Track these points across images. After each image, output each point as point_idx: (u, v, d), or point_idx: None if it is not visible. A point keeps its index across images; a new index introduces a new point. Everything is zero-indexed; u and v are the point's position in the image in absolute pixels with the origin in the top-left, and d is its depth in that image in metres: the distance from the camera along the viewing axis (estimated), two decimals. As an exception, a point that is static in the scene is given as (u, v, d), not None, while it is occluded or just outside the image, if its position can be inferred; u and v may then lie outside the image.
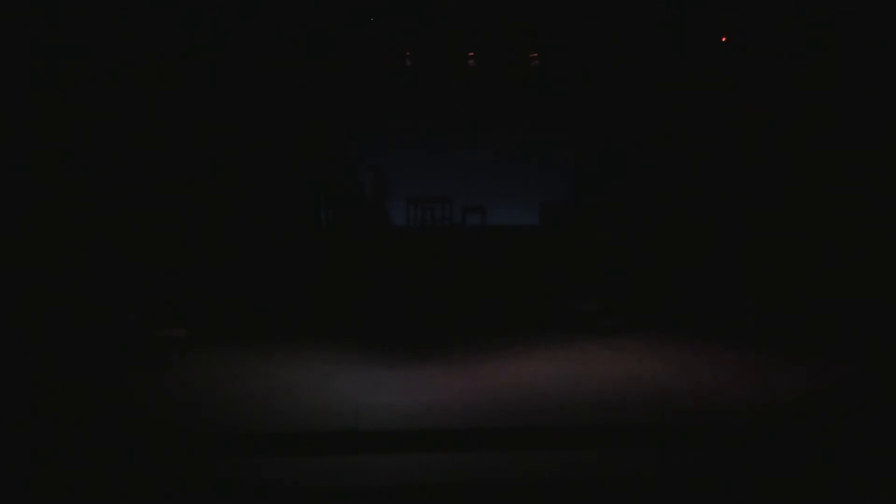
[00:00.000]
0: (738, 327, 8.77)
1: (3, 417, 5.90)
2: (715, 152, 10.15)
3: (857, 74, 9.12)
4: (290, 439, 5.65)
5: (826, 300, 8.77)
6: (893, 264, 8.61)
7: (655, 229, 10.11)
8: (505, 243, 10.43)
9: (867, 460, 5.32)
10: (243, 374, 7.19)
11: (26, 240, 8.21)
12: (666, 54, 10.26)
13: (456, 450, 5.59)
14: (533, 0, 10.21)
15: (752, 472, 5.28)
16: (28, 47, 8.41)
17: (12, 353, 7.21)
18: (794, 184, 9.63)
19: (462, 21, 10.45)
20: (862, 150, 9.12)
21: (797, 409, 6.12)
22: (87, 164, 8.95)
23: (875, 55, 8.94)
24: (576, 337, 8.66)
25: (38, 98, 8.53)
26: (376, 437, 5.68)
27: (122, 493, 5.00)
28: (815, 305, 8.78)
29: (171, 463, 5.37)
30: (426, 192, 11.14)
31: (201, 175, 9.74)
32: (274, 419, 5.94)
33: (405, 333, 8.81)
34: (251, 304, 9.24)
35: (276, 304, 9.29)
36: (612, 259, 9.99)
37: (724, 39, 10.12)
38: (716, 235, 9.86)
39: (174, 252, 9.25)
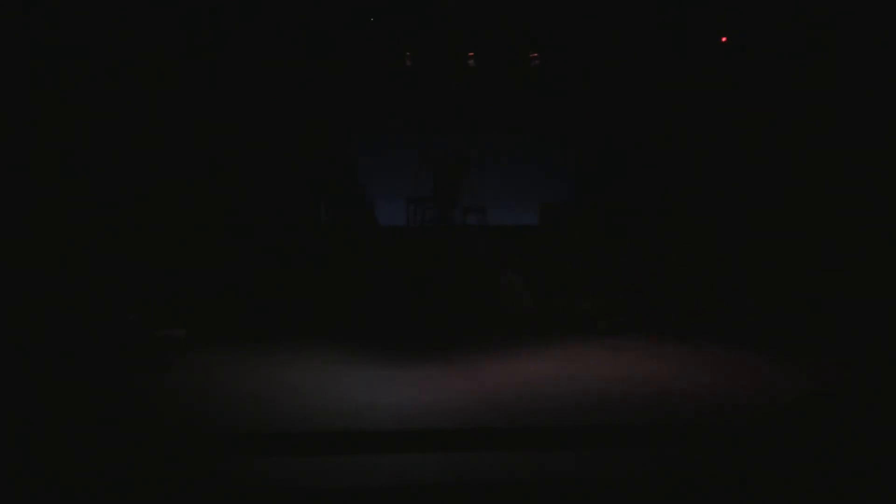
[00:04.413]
0: (738, 327, 8.77)
1: (4, 417, 5.90)
2: (715, 152, 10.15)
3: (857, 74, 9.12)
4: (290, 439, 5.64)
5: (826, 300, 8.77)
6: (893, 264, 8.61)
7: (655, 229, 10.10)
8: (505, 243, 10.43)
9: (867, 460, 5.32)
10: (243, 374, 7.19)
11: (26, 240, 8.21)
12: (666, 54, 10.26)
13: (456, 450, 5.58)
14: (533, 0, 10.20)
15: (752, 472, 5.28)
16: (28, 47, 8.41)
17: (12, 353, 7.21)
18: (794, 184, 9.63)
19: (462, 21, 10.44)
20: (862, 150, 9.12)
21: (797, 409, 6.12)
22: (87, 164, 8.96)
23: (875, 55, 8.94)
24: (576, 337, 8.66)
25: (38, 98, 8.53)
26: (376, 437, 5.68)
27: (122, 494, 5.00)
28: (815, 305, 8.78)
29: (171, 463, 5.37)
30: (426, 191, 11.13)
31: (201, 175, 9.74)
32: (274, 419, 5.94)
33: (405, 333, 8.82)
34: (251, 304, 9.24)
35: (276, 304, 9.30)
36: (612, 259, 9.99)
37: (723, 39, 10.12)
38: (716, 235, 9.86)
39: (174, 252, 9.25)
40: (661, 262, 9.85)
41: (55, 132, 8.69)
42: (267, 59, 9.92)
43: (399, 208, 11.11)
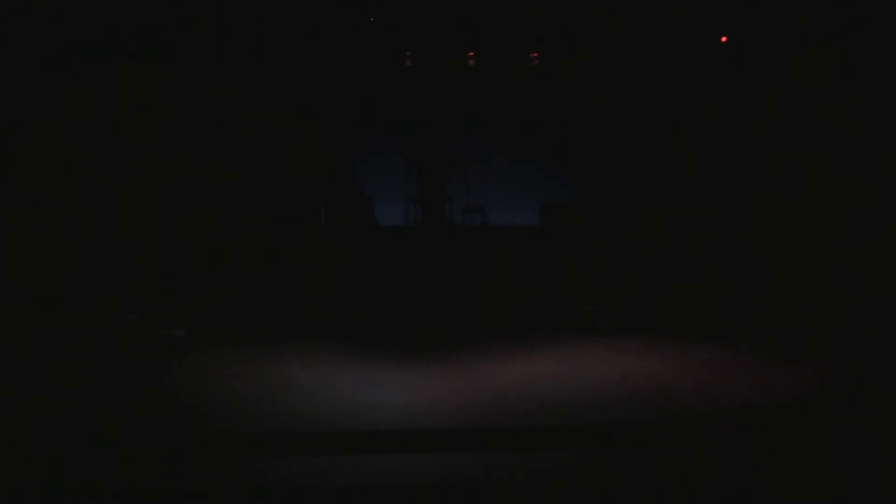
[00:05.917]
0: (738, 327, 8.77)
1: (4, 418, 5.90)
2: (715, 152, 10.15)
3: (858, 74, 9.11)
4: (291, 439, 5.65)
5: (826, 300, 8.77)
6: (894, 264, 8.61)
7: (655, 229, 10.11)
8: (505, 243, 10.44)
9: (867, 460, 5.32)
10: (243, 374, 7.19)
11: (26, 240, 8.21)
12: (666, 54, 10.26)
13: (456, 450, 5.59)
14: (533, 0, 10.20)
15: (752, 472, 5.28)
16: (28, 47, 8.41)
17: (13, 353, 7.21)
18: (795, 183, 9.63)
19: (462, 21, 10.44)
20: (862, 150, 9.11)
21: (797, 409, 6.13)
22: (87, 164, 8.95)
23: (875, 54, 8.94)
24: (576, 337, 8.66)
25: (39, 98, 8.53)
26: (376, 437, 5.69)
27: (122, 494, 5.00)
28: (815, 305, 8.78)
29: (171, 463, 5.38)
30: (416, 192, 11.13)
31: (202, 174, 9.74)
32: (275, 419, 5.95)
33: (405, 333, 8.82)
34: (251, 304, 9.24)
35: (276, 304, 9.30)
36: (612, 259, 10.00)
37: (723, 40, 10.12)
38: (716, 235, 9.86)
39: (174, 252, 9.25)
40: (660, 261, 9.86)
41: (55, 131, 8.69)
42: (267, 59, 9.92)
43: (398, 208, 11.12)
